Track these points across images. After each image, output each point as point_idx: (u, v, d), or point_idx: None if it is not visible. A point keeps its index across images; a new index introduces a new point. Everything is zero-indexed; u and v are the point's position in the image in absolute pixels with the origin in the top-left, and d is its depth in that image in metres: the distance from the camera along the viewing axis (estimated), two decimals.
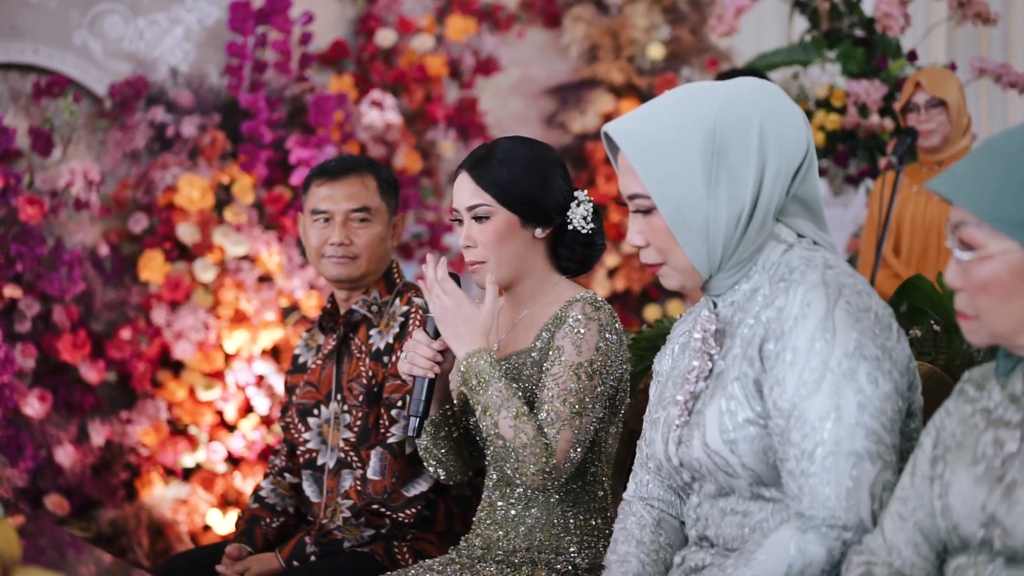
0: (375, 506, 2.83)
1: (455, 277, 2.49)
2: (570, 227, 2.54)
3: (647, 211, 2.00)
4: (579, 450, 2.39)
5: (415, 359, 2.46)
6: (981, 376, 1.75)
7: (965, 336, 1.67)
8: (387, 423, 2.88)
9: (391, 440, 2.86)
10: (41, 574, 1.16)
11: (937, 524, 1.71)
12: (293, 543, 2.84)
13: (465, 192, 2.52)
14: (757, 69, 5.16)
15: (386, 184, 3.04)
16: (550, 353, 2.45)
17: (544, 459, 2.34)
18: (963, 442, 1.70)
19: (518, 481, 2.40)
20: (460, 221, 2.54)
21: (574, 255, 2.57)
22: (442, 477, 2.62)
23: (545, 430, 2.36)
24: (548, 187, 2.51)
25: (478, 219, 2.51)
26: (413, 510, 2.86)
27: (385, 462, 2.84)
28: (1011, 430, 1.64)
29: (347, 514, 2.84)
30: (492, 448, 2.40)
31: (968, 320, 1.64)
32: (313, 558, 2.80)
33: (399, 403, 2.87)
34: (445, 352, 2.46)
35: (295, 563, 2.81)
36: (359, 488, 2.86)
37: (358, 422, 2.94)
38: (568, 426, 2.36)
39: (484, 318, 2.43)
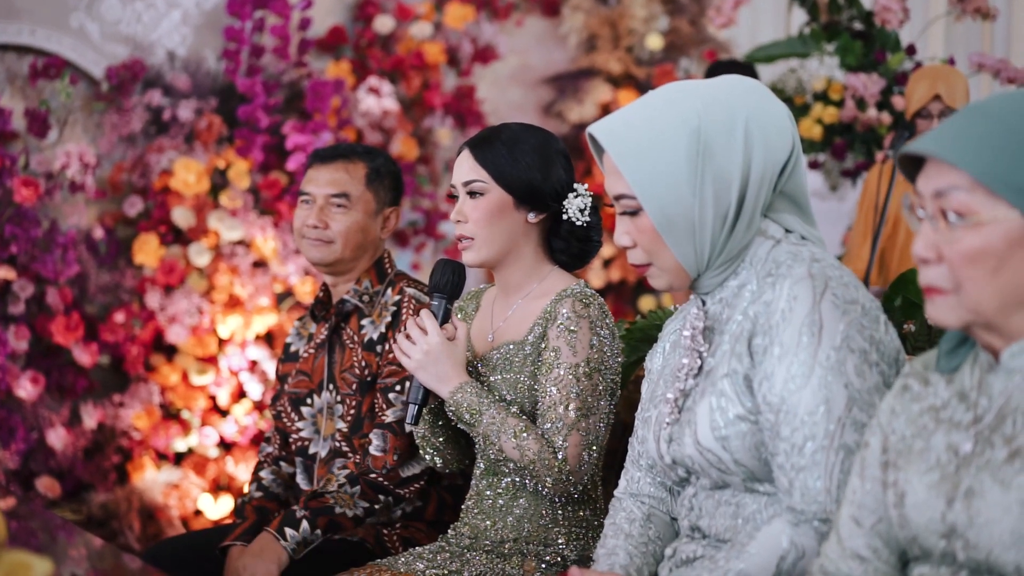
0: (372, 476, 2.83)
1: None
2: (565, 217, 2.54)
3: (633, 212, 2.00)
4: (593, 450, 2.41)
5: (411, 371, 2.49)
6: (923, 367, 1.69)
7: (932, 315, 1.55)
8: (383, 405, 2.88)
9: (389, 420, 2.86)
10: (27, 557, 1.16)
11: (895, 533, 1.65)
12: (280, 516, 2.80)
13: (463, 168, 2.54)
14: (746, 62, 5.16)
15: (376, 174, 3.04)
16: (545, 354, 2.45)
17: (557, 468, 2.37)
18: (913, 445, 1.63)
19: (544, 493, 2.42)
20: (457, 197, 2.56)
21: (569, 248, 2.57)
22: (439, 465, 2.63)
23: (552, 439, 2.38)
24: (546, 173, 2.52)
25: (472, 195, 2.52)
26: (413, 487, 2.87)
27: (387, 441, 2.85)
28: (963, 431, 1.58)
29: (342, 481, 2.83)
30: (507, 469, 2.43)
31: (944, 295, 1.53)
32: (305, 523, 2.76)
33: (396, 387, 2.88)
34: None
35: (287, 529, 2.75)
36: (357, 461, 2.86)
37: (351, 411, 2.95)
38: (575, 430, 2.38)
39: (461, 351, 2.48)
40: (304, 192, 3.03)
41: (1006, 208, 1.48)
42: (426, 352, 2.45)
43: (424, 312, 2.49)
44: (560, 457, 2.37)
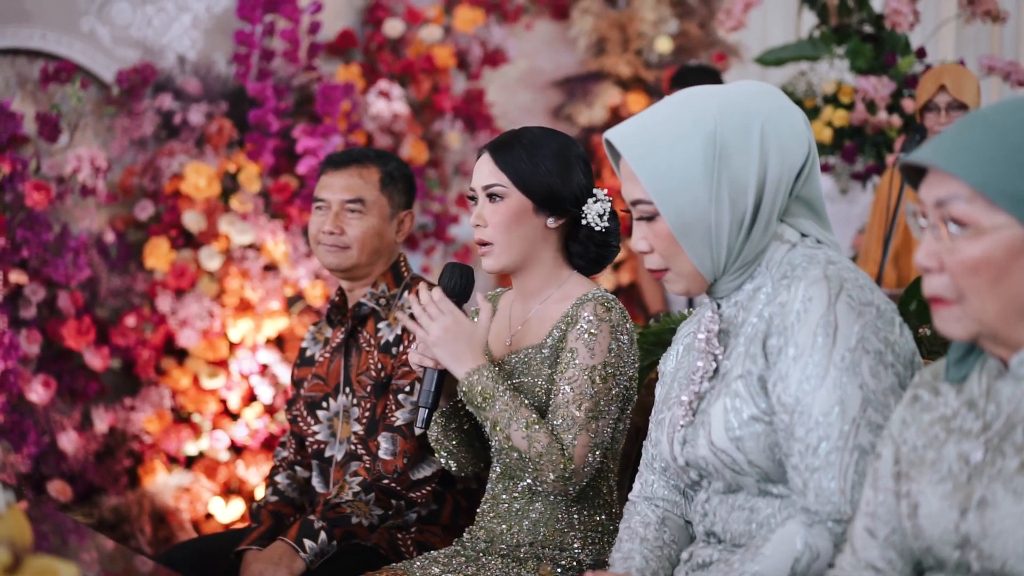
0: (385, 482, 2.83)
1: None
2: (584, 222, 2.54)
3: (650, 217, 2.01)
4: (597, 453, 2.40)
5: (426, 351, 2.46)
6: (933, 377, 1.69)
7: (940, 327, 1.56)
8: (393, 407, 2.89)
9: (398, 423, 2.86)
10: (52, 563, 1.17)
11: (910, 544, 1.65)
12: (297, 524, 2.80)
13: (483, 172, 2.53)
14: (712, 68, 5.18)
15: (390, 178, 3.04)
16: (563, 355, 2.45)
17: (562, 465, 2.35)
18: (925, 456, 1.63)
19: (539, 488, 2.41)
20: (475, 199, 2.55)
21: (587, 252, 2.57)
22: (453, 469, 2.62)
23: (561, 436, 2.37)
24: (567, 178, 2.51)
25: (491, 198, 2.51)
26: (424, 490, 2.87)
27: (396, 444, 2.85)
28: (974, 439, 1.57)
29: (356, 489, 2.83)
30: (508, 460, 2.41)
31: (949, 306, 1.53)
32: (323, 534, 2.77)
33: (407, 388, 2.88)
34: None
35: (306, 541, 2.76)
36: (368, 466, 2.86)
37: (367, 414, 2.95)
38: (584, 430, 2.37)
39: (481, 334, 2.44)
40: (319, 198, 3.03)
41: (1006, 218, 1.47)
42: (445, 328, 2.41)
43: (436, 291, 2.46)
44: (567, 455, 2.36)
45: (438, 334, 2.41)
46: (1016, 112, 1.52)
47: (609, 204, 2.55)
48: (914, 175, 1.61)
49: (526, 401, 2.41)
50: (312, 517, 2.80)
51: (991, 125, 1.51)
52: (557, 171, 2.51)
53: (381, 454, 2.86)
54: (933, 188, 1.54)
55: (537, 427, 2.37)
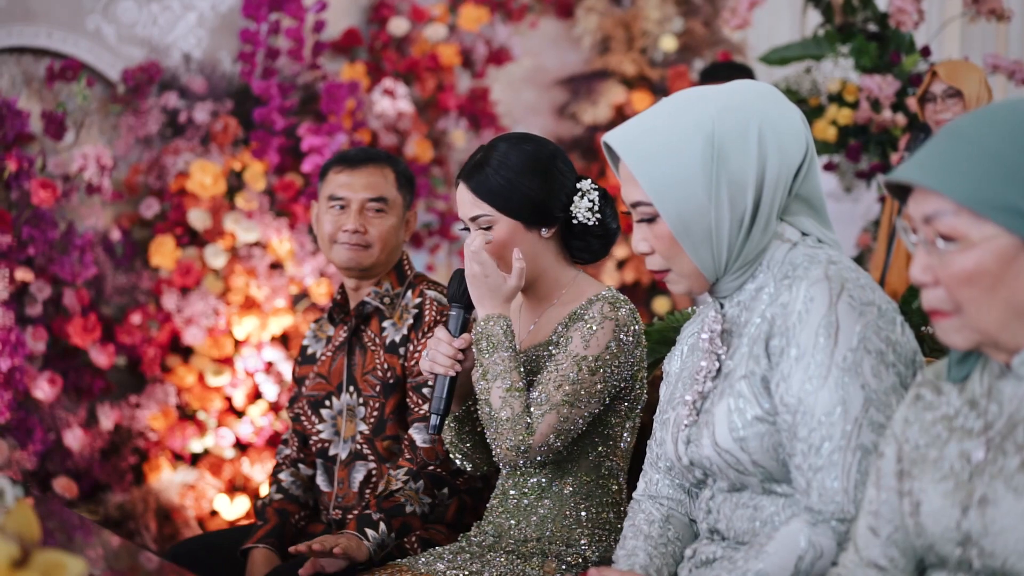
0: (431, 468, 2.84)
1: None
2: (575, 221, 2.54)
3: (650, 219, 2.02)
4: (561, 439, 2.39)
5: (436, 357, 2.47)
6: (935, 376, 1.70)
7: (940, 337, 1.58)
8: (419, 401, 2.89)
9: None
10: (61, 557, 1.17)
11: (912, 541, 1.66)
12: (354, 520, 2.76)
13: (465, 203, 2.53)
14: (744, 65, 5.18)
15: (403, 178, 3.06)
16: (560, 343, 2.46)
17: (522, 437, 2.35)
18: (927, 455, 1.64)
19: (492, 452, 2.40)
20: (468, 229, 2.55)
21: (589, 245, 2.57)
22: (468, 469, 2.63)
23: (532, 410, 2.37)
24: (548, 187, 2.51)
25: (482, 227, 2.51)
26: (463, 477, 2.88)
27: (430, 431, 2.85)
28: (975, 438, 1.59)
29: (404, 478, 2.83)
30: (480, 413, 2.41)
31: (948, 317, 1.55)
32: (382, 525, 2.73)
33: (429, 382, 2.88)
34: (466, 350, 2.47)
35: (368, 530, 2.71)
36: (409, 456, 2.86)
37: (374, 413, 2.95)
38: (555, 412, 2.37)
39: (508, 289, 2.45)
40: (336, 196, 3.02)
41: (993, 227, 1.48)
42: (475, 274, 2.43)
43: (479, 240, 2.47)
44: (530, 429, 2.36)
45: (469, 277, 2.44)
46: (991, 121, 1.52)
47: (596, 193, 2.55)
48: (901, 191, 1.62)
49: (521, 369, 2.41)
50: (368, 511, 2.78)
51: (967, 137, 1.52)
52: (536, 184, 2.50)
53: (420, 444, 2.86)
54: (919, 205, 1.55)
55: (517, 394, 2.37)
